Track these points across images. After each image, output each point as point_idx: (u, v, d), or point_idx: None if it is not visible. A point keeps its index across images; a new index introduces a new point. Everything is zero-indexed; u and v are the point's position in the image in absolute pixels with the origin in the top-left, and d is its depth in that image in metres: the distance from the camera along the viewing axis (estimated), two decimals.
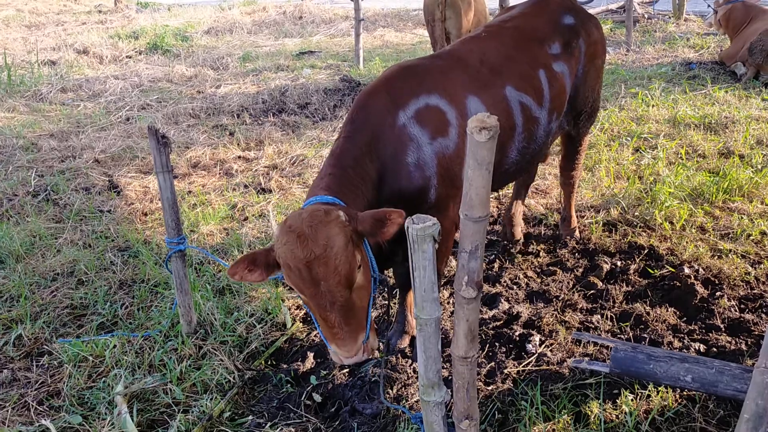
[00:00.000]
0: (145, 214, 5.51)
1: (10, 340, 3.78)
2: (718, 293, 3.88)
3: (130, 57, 12.34)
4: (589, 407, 3.04)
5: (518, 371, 3.34)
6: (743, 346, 3.41)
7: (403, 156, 2.99)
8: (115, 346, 3.65)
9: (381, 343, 3.57)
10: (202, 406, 3.19)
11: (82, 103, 9.08)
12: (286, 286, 4.07)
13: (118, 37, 13.62)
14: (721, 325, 3.61)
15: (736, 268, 4.12)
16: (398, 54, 11.79)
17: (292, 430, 3.05)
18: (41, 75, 10.52)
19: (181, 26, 15.19)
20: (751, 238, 4.48)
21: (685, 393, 3.09)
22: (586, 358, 3.30)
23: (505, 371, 3.34)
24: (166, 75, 10.62)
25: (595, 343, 3.50)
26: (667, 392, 3.08)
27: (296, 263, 2.48)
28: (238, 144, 7.10)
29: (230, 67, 11.17)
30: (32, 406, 3.26)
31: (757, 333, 3.52)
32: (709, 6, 10.36)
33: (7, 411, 3.21)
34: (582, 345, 3.51)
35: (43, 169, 6.51)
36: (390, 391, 3.26)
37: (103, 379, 3.40)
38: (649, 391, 3.10)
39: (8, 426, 3.10)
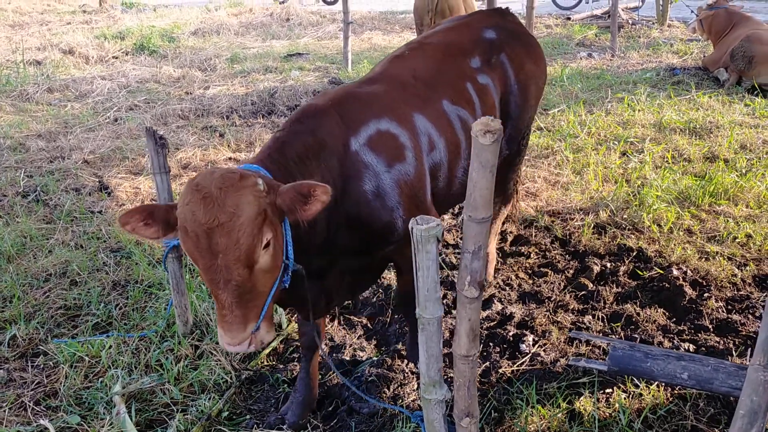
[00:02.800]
0: None
1: (4, 341, 3.77)
2: (705, 294, 3.97)
3: (117, 57, 12.28)
4: (583, 406, 3.11)
5: (513, 371, 3.40)
6: (731, 346, 3.49)
7: (359, 182, 2.74)
8: (110, 347, 3.65)
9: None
10: (200, 406, 3.20)
11: (69, 104, 9.03)
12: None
13: (104, 38, 13.54)
14: (710, 326, 3.69)
15: (723, 270, 4.21)
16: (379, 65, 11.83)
17: (291, 429, 3.07)
18: (27, 75, 10.44)
19: (167, 27, 15.13)
20: (737, 240, 4.57)
21: (676, 392, 3.17)
22: (584, 357, 3.36)
23: (500, 371, 3.39)
24: (154, 76, 10.59)
25: (588, 343, 3.57)
26: (659, 391, 3.15)
27: (195, 228, 2.15)
28: (228, 145, 7.10)
29: (218, 69, 11.16)
30: (29, 406, 3.25)
31: (744, 333, 3.60)
32: (692, 12, 10.51)
33: (5, 411, 3.20)
34: (575, 345, 3.58)
35: (32, 170, 6.48)
36: (386, 391, 3.30)
37: (100, 379, 3.41)
38: (641, 390, 3.17)
39: (6, 426, 3.10)
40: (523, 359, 3.48)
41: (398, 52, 3.55)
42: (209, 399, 3.26)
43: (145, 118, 8.12)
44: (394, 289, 4.06)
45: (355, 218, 2.75)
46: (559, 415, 3.04)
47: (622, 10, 13.88)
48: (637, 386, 3.20)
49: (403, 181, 2.86)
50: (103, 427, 3.05)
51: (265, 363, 3.63)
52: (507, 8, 4.16)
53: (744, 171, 5.70)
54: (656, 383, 3.21)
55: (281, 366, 3.60)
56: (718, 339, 3.58)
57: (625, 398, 3.12)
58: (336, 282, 2.93)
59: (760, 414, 1.90)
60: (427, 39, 3.70)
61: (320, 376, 3.44)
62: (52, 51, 12.25)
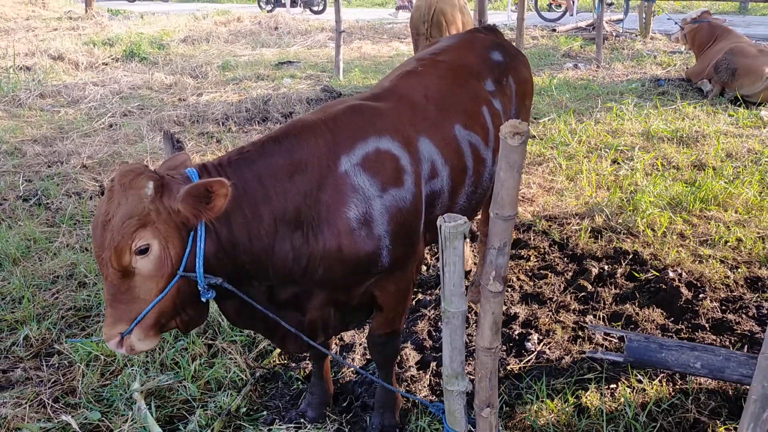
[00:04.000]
0: None
1: (18, 341, 3.81)
2: (701, 295, 4.12)
3: (107, 64, 12.30)
4: (589, 400, 3.23)
5: (520, 367, 3.52)
6: (728, 344, 3.64)
7: (342, 208, 2.50)
8: None
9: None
10: (219, 402, 3.28)
11: (63, 109, 9.04)
12: None
13: (93, 44, 13.54)
14: (706, 325, 3.84)
15: (717, 272, 4.38)
16: (376, 65, 12.00)
17: (308, 423, 3.16)
18: (18, 80, 10.42)
19: (156, 34, 15.17)
20: (729, 244, 4.75)
21: (678, 386, 3.31)
22: (601, 349, 3.49)
23: (508, 368, 3.51)
24: (146, 82, 10.63)
25: (591, 341, 3.71)
26: (662, 386, 3.30)
27: (96, 217, 2.23)
28: (225, 151, 7.18)
29: (210, 76, 11.22)
30: (48, 403, 3.31)
31: (739, 332, 3.75)
32: (676, 23, 10.79)
33: (25, 408, 3.25)
34: (578, 343, 3.71)
35: (30, 174, 6.51)
36: (399, 387, 3.40)
37: (118, 377, 3.47)
38: (645, 385, 3.31)
39: (27, 422, 3.15)
40: (530, 357, 3.61)
41: (410, 66, 3.34)
42: (227, 395, 3.33)
43: (141, 124, 8.16)
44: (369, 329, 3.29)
45: (334, 250, 2.51)
46: (568, 409, 3.16)
47: (606, 23, 14.18)
48: (640, 381, 3.34)
49: (396, 208, 2.61)
50: (125, 422, 3.12)
51: (278, 362, 3.71)
52: (494, 25, 4.25)
53: (731, 178, 5.90)
54: (659, 378, 3.35)
55: (293, 364, 3.68)
56: (714, 337, 3.73)
57: (630, 393, 3.26)
58: (318, 316, 2.73)
59: None
60: (439, 56, 3.49)
61: (333, 374, 3.53)
62: (41, 57, 12.23)
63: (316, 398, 3.24)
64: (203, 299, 2.37)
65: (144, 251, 2.19)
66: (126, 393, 3.34)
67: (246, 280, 2.49)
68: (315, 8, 21.00)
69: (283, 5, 21.10)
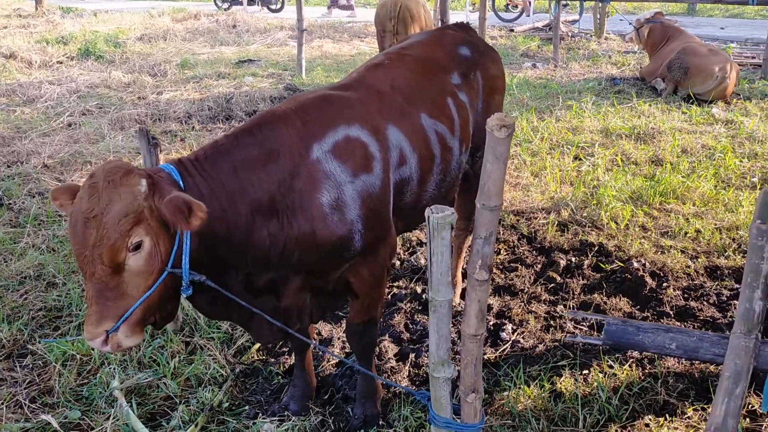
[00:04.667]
0: None
1: None
2: (664, 284, 4.29)
3: (62, 62, 12.02)
4: (564, 385, 3.35)
5: (497, 356, 3.61)
6: (692, 329, 3.80)
7: (315, 194, 2.58)
8: None
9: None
10: (201, 398, 3.29)
11: (18, 109, 8.81)
12: None
13: (46, 42, 13.23)
14: (671, 312, 4.00)
15: (678, 262, 4.56)
16: (338, 64, 12.02)
17: (292, 416, 3.19)
18: None
19: (111, 32, 14.88)
20: (688, 235, 4.94)
21: (647, 371, 3.45)
22: (578, 331, 3.61)
23: (485, 357, 3.60)
24: (104, 81, 10.43)
25: (563, 329, 3.84)
26: (632, 370, 3.43)
27: (76, 214, 2.18)
28: (190, 149, 7.12)
29: (169, 74, 11.06)
30: (25, 404, 3.26)
31: (702, 318, 3.93)
32: (630, 24, 11.12)
33: (1, 409, 3.20)
34: (550, 331, 3.83)
35: None
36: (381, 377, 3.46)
37: (97, 375, 3.44)
38: (616, 370, 3.44)
39: (5, 423, 3.11)
40: (505, 346, 3.71)
41: (377, 60, 3.46)
42: (209, 391, 3.34)
43: (102, 123, 8.03)
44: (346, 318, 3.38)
45: (309, 234, 2.59)
46: (544, 394, 3.27)
47: (562, 23, 14.48)
48: (612, 366, 3.47)
49: (367, 193, 2.70)
50: (106, 420, 3.10)
51: (257, 357, 3.73)
52: (468, 23, 4.36)
53: (688, 173, 6.13)
54: (629, 363, 3.49)
55: (273, 360, 3.70)
56: (679, 324, 3.90)
57: (602, 378, 3.38)
58: (295, 301, 2.79)
59: (742, 375, 2.16)
60: (407, 50, 3.60)
61: (314, 367, 3.57)
62: None
63: (299, 391, 3.28)
64: (184, 295, 2.40)
65: (137, 248, 2.20)
66: (105, 391, 3.32)
67: (224, 269, 2.53)
68: (273, 6, 20.87)
69: (240, 3, 20.91)
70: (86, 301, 2.22)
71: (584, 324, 3.90)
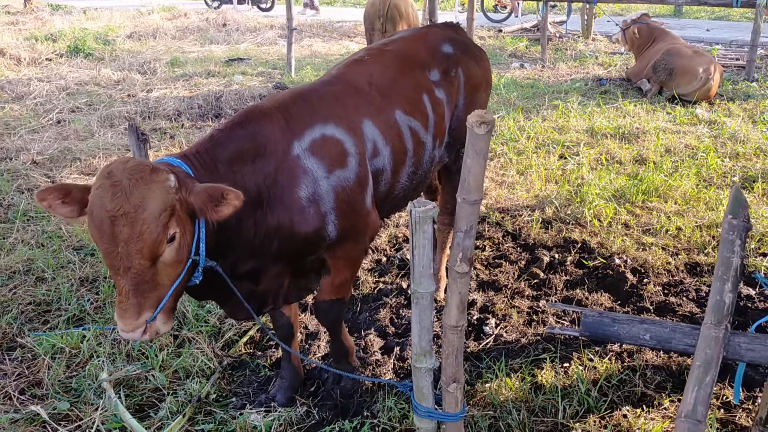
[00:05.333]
0: None
1: None
2: (645, 280, 4.38)
3: (51, 60, 12.02)
4: (545, 378, 3.43)
5: (480, 349, 3.69)
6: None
7: (294, 188, 2.76)
8: (89, 339, 3.73)
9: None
10: (189, 389, 3.34)
11: (7, 105, 8.82)
12: None
13: (35, 39, 13.20)
14: (651, 307, 4.09)
15: (659, 258, 4.65)
16: (327, 63, 12.07)
17: (279, 407, 3.25)
18: None
19: (101, 30, 14.86)
20: (669, 233, 5.04)
21: (626, 364, 3.54)
22: (559, 325, 3.69)
23: (468, 350, 3.68)
24: (93, 78, 10.45)
25: (545, 323, 3.92)
26: (611, 363, 3.52)
27: (101, 213, 2.20)
28: (180, 147, 7.16)
29: (158, 72, 11.08)
30: (14, 395, 3.31)
31: (681, 313, 4.02)
32: (616, 25, 11.23)
33: None
34: (533, 326, 3.91)
35: None
36: (364, 372, 3.52)
37: (86, 367, 3.49)
38: (596, 363, 3.53)
39: None
40: (488, 339, 3.78)
41: (358, 55, 3.57)
42: (196, 383, 3.40)
43: (91, 120, 8.05)
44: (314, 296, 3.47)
45: (287, 225, 2.76)
46: (525, 386, 3.34)
47: (550, 24, 14.60)
48: (591, 359, 3.55)
49: (341, 187, 2.88)
50: (95, 411, 3.15)
51: (244, 351, 3.79)
52: (458, 23, 4.43)
53: (671, 172, 6.23)
54: (609, 356, 3.58)
55: (260, 353, 3.77)
56: (658, 319, 3.98)
57: (582, 370, 3.47)
58: (272, 285, 2.94)
59: (712, 364, 2.24)
60: (388, 46, 3.70)
61: (302, 359, 3.64)
62: None
63: (286, 382, 3.36)
64: (196, 281, 2.52)
65: (172, 239, 2.30)
66: (94, 383, 3.36)
67: (217, 257, 2.61)
68: (263, 5, 20.90)
69: (231, 2, 20.92)
70: (118, 296, 2.28)
71: (566, 318, 3.99)
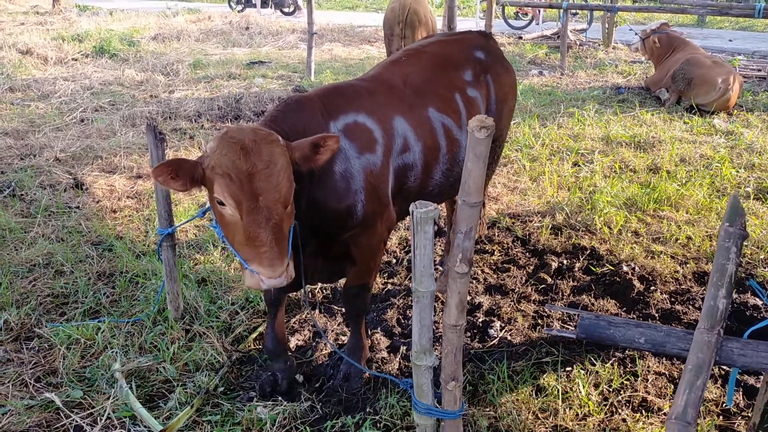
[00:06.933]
0: (114, 211, 5.65)
1: None
2: (652, 288, 4.41)
3: (77, 60, 12.28)
4: (547, 381, 3.47)
5: (483, 351, 3.74)
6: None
7: (331, 162, 2.96)
8: (104, 330, 3.84)
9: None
10: (198, 382, 3.44)
11: (33, 103, 9.04)
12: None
13: (62, 39, 13.50)
14: (656, 314, 4.12)
15: (667, 267, 4.67)
16: (347, 67, 12.19)
17: (285, 401, 3.34)
18: None
19: (126, 31, 15.14)
20: (679, 241, 5.05)
21: (628, 369, 3.57)
22: (557, 327, 3.74)
23: (472, 352, 3.73)
24: (117, 78, 10.66)
25: (549, 327, 3.96)
26: (613, 368, 3.55)
27: (238, 174, 2.47)
28: (199, 147, 7.30)
29: (181, 74, 11.29)
30: (30, 383, 3.42)
31: (686, 321, 4.04)
32: (636, 34, 11.22)
33: (8, 387, 3.36)
34: (537, 330, 3.96)
35: (3, 166, 6.54)
36: (371, 367, 3.59)
37: (99, 358, 3.60)
38: (597, 367, 3.57)
39: (10, 400, 3.27)
40: (492, 342, 3.84)
41: (396, 56, 3.85)
42: (205, 376, 3.49)
43: (113, 120, 8.23)
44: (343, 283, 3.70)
45: (322, 198, 2.98)
46: (527, 388, 3.40)
47: (571, 32, 14.62)
48: (593, 364, 3.59)
49: (369, 170, 3.09)
50: (107, 399, 3.25)
51: (253, 346, 3.87)
52: (489, 33, 4.56)
53: (684, 181, 6.23)
54: (611, 361, 3.61)
55: None
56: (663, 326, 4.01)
57: (584, 374, 3.51)
58: (311, 262, 3.19)
59: (704, 368, 2.28)
60: (425, 48, 3.95)
61: (308, 356, 3.72)
62: (9, 51, 12.15)
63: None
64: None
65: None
66: (107, 373, 3.47)
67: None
68: (286, 9, 21.12)
69: (254, 6, 21.18)
70: (253, 251, 2.54)
71: (571, 323, 4.03)
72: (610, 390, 3.41)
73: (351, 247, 3.22)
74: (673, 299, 4.34)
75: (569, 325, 4.02)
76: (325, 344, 3.85)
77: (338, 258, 3.32)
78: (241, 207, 2.52)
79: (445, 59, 3.80)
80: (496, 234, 5.26)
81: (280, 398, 3.33)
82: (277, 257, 2.55)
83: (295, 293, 3.99)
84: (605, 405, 3.31)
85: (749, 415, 3.25)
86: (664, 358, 3.65)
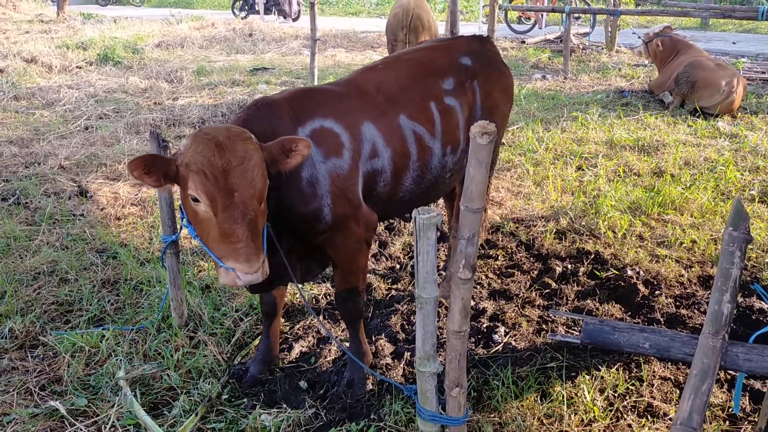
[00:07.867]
0: (119, 219, 5.67)
1: (3, 333, 3.91)
2: (657, 292, 4.39)
3: (81, 67, 12.32)
4: (552, 386, 3.46)
5: (488, 357, 3.73)
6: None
7: (298, 168, 2.96)
8: (108, 338, 3.84)
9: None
10: (201, 389, 3.43)
11: (38, 111, 9.09)
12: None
13: (67, 47, 13.54)
14: (661, 319, 4.10)
15: (672, 271, 4.66)
16: (350, 73, 12.18)
17: (289, 408, 3.33)
18: None
19: (130, 39, 15.19)
20: (684, 245, 5.04)
21: (634, 374, 3.56)
22: (561, 332, 3.73)
23: (476, 357, 3.73)
24: (121, 86, 10.70)
25: (553, 333, 3.94)
26: (618, 373, 3.54)
27: (213, 171, 2.52)
28: None
29: (185, 81, 11.32)
30: (35, 391, 3.43)
31: (691, 325, 4.02)
32: (639, 38, 11.21)
33: (12, 396, 3.37)
34: (542, 335, 3.95)
35: (8, 174, 6.57)
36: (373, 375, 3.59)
37: (104, 366, 3.60)
38: (603, 373, 3.55)
39: (15, 408, 3.27)
40: (497, 347, 3.83)
41: (373, 64, 3.83)
42: (209, 383, 3.49)
43: (118, 127, 8.25)
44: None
45: (289, 201, 3.00)
46: (531, 394, 3.38)
47: (574, 36, 14.60)
48: (599, 369, 3.58)
49: (336, 174, 3.10)
50: (111, 407, 3.25)
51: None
52: (488, 37, 4.53)
53: (688, 184, 6.22)
54: (616, 366, 3.60)
55: None
56: (668, 330, 3.99)
57: (589, 379, 3.49)
58: (283, 260, 3.12)
59: (709, 372, 2.27)
60: (405, 55, 3.92)
61: (311, 364, 3.72)
62: (14, 59, 12.21)
63: (260, 355, 3.61)
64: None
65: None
66: (111, 381, 3.47)
67: None
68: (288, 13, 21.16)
69: (257, 12, 21.23)
70: (228, 248, 2.58)
71: (576, 328, 4.01)
72: (616, 395, 3.40)
73: (328, 250, 3.27)
74: (678, 303, 4.32)
75: (574, 330, 4.01)
76: (329, 351, 3.84)
77: (312, 257, 3.38)
78: (216, 203, 2.55)
79: (425, 66, 3.75)
80: (500, 239, 5.25)
81: (284, 405, 3.32)
82: (254, 253, 2.57)
83: (299, 300, 4.00)
84: (611, 410, 3.30)
85: (756, 420, 3.23)
86: (669, 363, 3.63)
